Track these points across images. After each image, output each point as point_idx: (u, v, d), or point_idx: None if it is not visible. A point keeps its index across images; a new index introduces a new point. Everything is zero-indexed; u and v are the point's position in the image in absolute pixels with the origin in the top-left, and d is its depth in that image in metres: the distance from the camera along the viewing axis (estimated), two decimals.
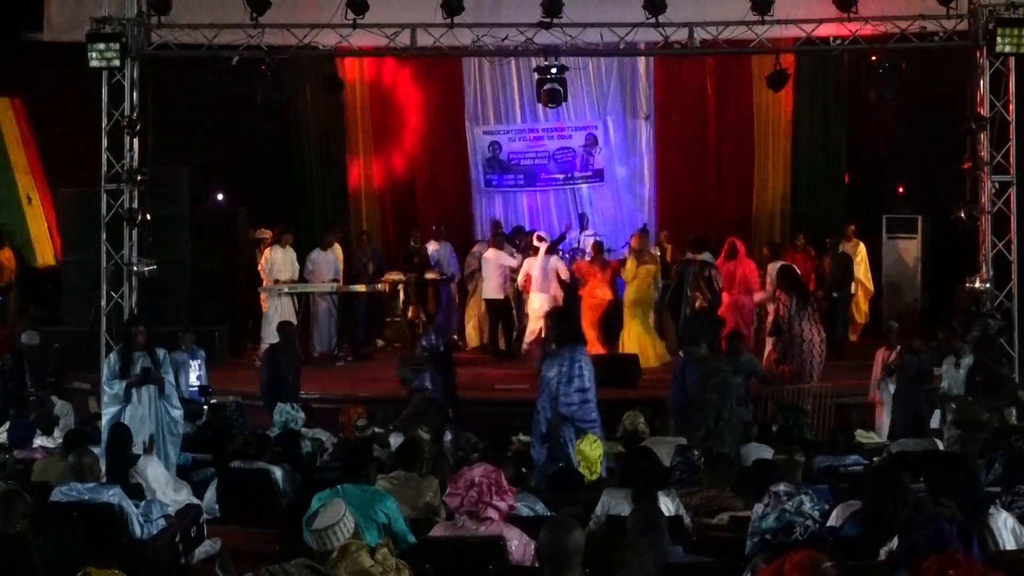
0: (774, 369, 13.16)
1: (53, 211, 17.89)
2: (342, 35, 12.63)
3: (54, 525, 5.98)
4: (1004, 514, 6.13)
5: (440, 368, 11.29)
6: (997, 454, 8.34)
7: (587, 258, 16.03)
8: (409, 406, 11.42)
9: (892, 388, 11.87)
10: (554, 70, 13.19)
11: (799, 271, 14.75)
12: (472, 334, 16.76)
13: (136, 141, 12.82)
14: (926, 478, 6.73)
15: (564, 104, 14.18)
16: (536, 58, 13.44)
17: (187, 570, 7.62)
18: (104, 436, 9.23)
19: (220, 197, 18.11)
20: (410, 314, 16.39)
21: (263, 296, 15.93)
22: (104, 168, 12.84)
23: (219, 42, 12.84)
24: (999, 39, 11.92)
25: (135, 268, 12.90)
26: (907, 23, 12.67)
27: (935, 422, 10.97)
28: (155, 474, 8.49)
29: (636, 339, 14.98)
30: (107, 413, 10.12)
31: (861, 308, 16.98)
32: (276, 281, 15.80)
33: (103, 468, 7.88)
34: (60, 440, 10.15)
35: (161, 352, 10.14)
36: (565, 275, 15.45)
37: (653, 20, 12.41)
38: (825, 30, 13.04)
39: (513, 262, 15.72)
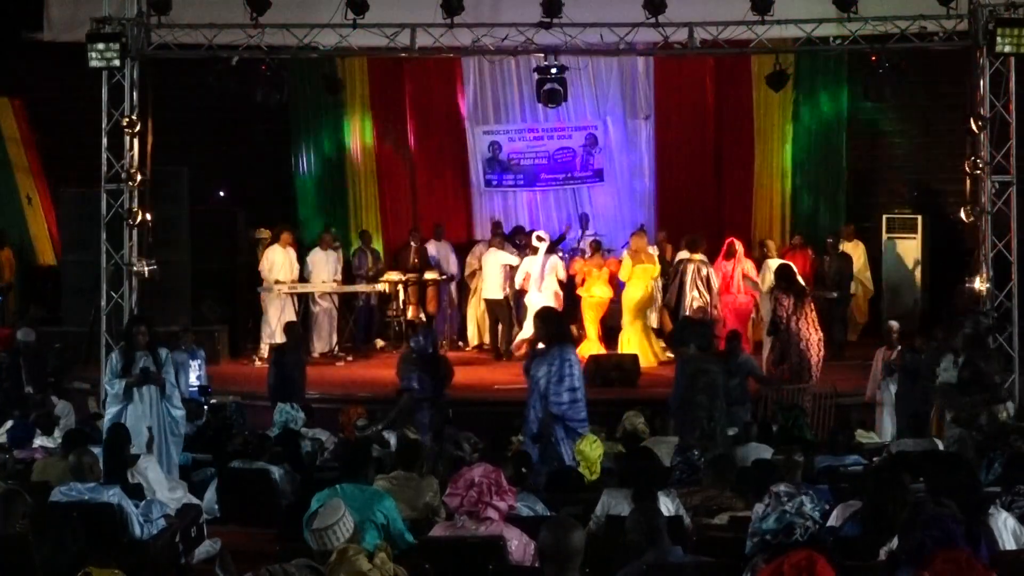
0: (772, 369, 13.16)
1: (53, 211, 17.89)
2: (342, 35, 12.63)
3: (54, 525, 5.97)
4: (1004, 514, 6.13)
5: (428, 369, 11.23)
6: (996, 454, 8.34)
7: (584, 257, 16.04)
8: (395, 407, 11.39)
9: (893, 388, 11.88)
10: (554, 70, 13.19)
11: (797, 271, 14.73)
12: (472, 334, 16.77)
13: (136, 141, 12.83)
14: (926, 478, 6.74)
15: (564, 104, 14.18)
16: (536, 58, 13.45)
17: (187, 570, 7.61)
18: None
19: (220, 197, 18.08)
20: (410, 314, 16.40)
21: (263, 296, 15.94)
22: (104, 168, 12.85)
23: (219, 42, 12.85)
24: (999, 39, 11.93)
25: (135, 268, 12.91)
26: (907, 23, 12.67)
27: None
28: (153, 474, 8.49)
29: (636, 339, 14.99)
30: (108, 413, 10.13)
31: (861, 308, 16.98)
32: (276, 281, 15.81)
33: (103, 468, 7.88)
34: (60, 440, 10.15)
35: (163, 352, 10.14)
36: (563, 275, 15.46)
37: (653, 20, 12.42)
38: (825, 30, 13.05)
39: (514, 260, 15.73)
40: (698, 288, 14.38)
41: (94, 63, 12.34)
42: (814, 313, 13.31)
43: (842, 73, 17.48)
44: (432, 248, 16.85)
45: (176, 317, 14.63)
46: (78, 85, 14.48)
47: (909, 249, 17.14)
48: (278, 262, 15.90)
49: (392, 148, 18.83)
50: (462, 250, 17.22)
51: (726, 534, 6.89)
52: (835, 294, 15.72)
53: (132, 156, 12.82)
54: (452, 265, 17.07)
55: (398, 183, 18.92)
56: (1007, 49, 11.99)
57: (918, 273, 17.06)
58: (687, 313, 14.26)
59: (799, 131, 18.19)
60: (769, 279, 14.18)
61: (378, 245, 17.67)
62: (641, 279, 15.08)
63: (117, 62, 12.35)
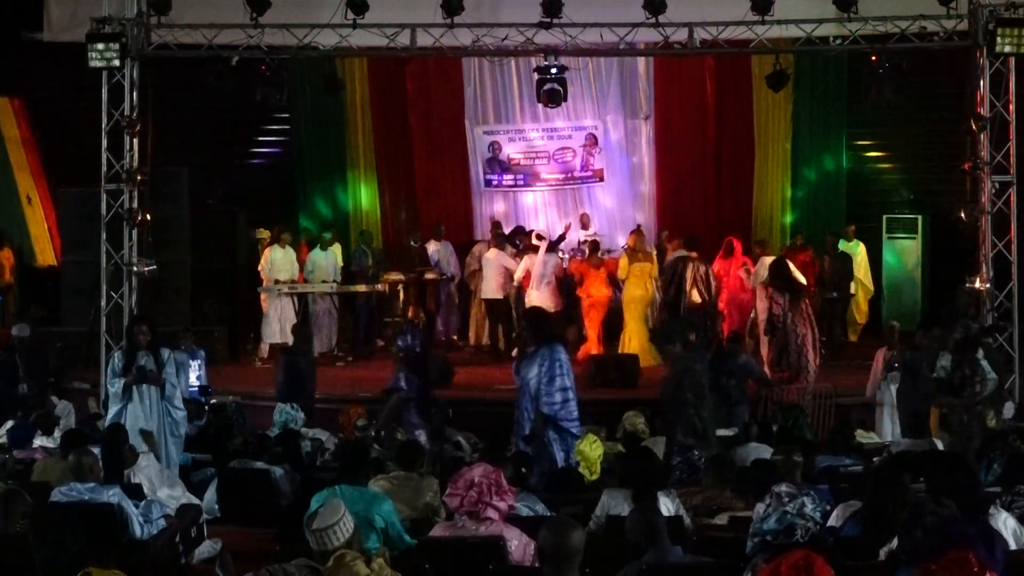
0: (773, 368, 13.16)
1: (53, 211, 17.89)
2: (342, 35, 12.63)
3: (54, 525, 5.98)
4: (1004, 514, 6.14)
5: (416, 368, 11.19)
6: (996, 454, 8.35)
7: (583, 257, 16.05)
8: (385, 408, 11.36)
9: (893, 388, 11.87)
10: (554, 70, 13.20)
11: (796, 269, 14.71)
12: (472, 334, 16.77)
13: (136, 141, 12.83)
14: (926, 478, 6.74)
15: (564, 104, 14.18)
16: (536, 58, 13.45)
17: (187, 570, 7.62)
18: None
19: (220, 197, 18.08)
20: (410, 314, 16.39)
21: (263, 296, 15.94)
22: (104, 168, 12.85)
23: (219, 42, 12.85)
24: (999, 39, 11.93)
25: (135, 268, 12.91)
26: (907, 23, 12.67)
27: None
28: (152, 474, 8.49)
29: (636, 339, 14.98)
30: (109, 413, 10.12)
31: (861, 308, 16.98)
32: (276, 281, 15.81)
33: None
34: (60, 440, 10.14)
35: (165, 352, 10.10)
36: (560, 274, 15.47)
37: (653, 20, 12.42)
38: (825, 30, 13.05)
39: (514, 265, 15.70)
40: (697, 286, 14.38)
41: (94, 63, 12.34)
42: (811, 309, 13.31)
43: (842, 73, 17.48)
44: (432, 248, 16.84)
45: (176, 317, 14.63)
46: (78, 85, 14.49)
47: (909, 249, 17.15)
48: (278, 262, 15.90)
49: (391, 148, 18.82)
50: (462, 250, 17.21)
51: (726, 534, 6.90)
52: (835, 294, 15.72)
53: (132, 156, 12.82)
54: (452, 265, 17.07)
55: (398, 183, 18.93)
56: (1007, 49, 11.99)
57: (918, 273, 17.07)
58: (687, 312, 14.25)
59: (799, 131, 18.20)
60: (763, 275, 14.16)
61: (378, 245, 17.66)
62: (640, 278, 15.07)
63: (117, 62, 12.35)
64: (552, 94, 13.27)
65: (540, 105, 14.66)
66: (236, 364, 15.71)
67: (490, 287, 15.83)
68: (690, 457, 8.75)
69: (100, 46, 12.24)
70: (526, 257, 15.58)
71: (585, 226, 17.61)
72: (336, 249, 16.56)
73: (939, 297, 15.06)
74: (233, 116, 18.25)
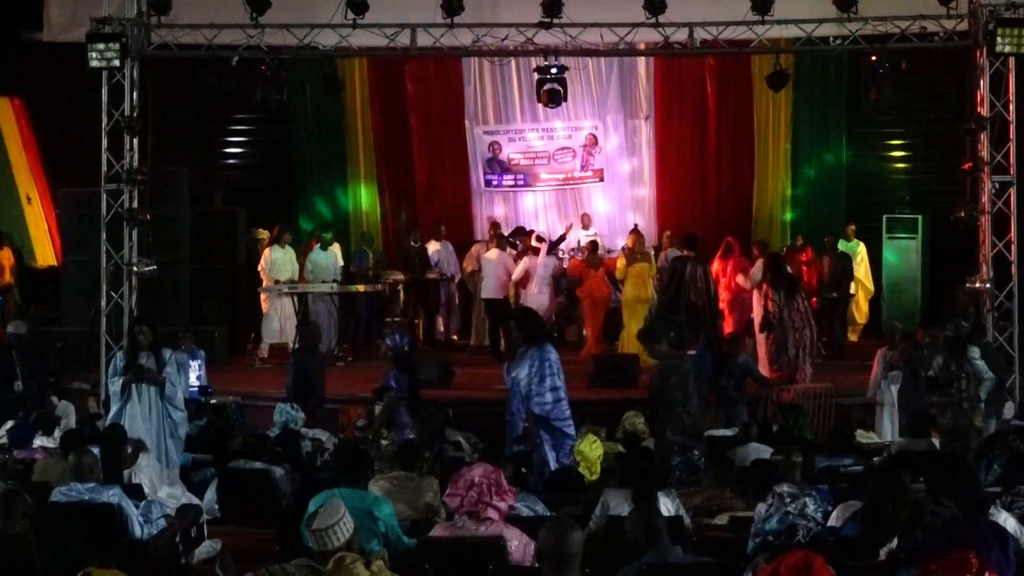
0: (773, 366, 13.16)
1: (53, 211, 17.89)
2: (342, 35, 12.64)
3: (54, 525, 5.99)
4: (1004, 514, 6.14)
5: (404, 367, 11.17)
6: (996, 455, 8.34)
7: (582, 258, 16.05)
8: (381, 410, 11.32)
9: (893, 388, 11.87)
10: (554, 70, 13.20)
11: (790, 267, 14.67)
12: (474, 334, 16.77)
13: (136, 141, 12.83)
14: (926, 478, 6.74)
15: (564, 104, 14.18)
16: (536, 58, 13.44)
17: (187, 570, 7.63)
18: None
19: (219, 197, 18.09)
20: (410, 314, 16.39)
21: (263, 296, 15.93)
22: (104, 168, 12.85)
23: (219, 42, 12.85)
24: (999, 39, 11.93)
25: (135, 268, 12.91)
26: (907, 23, 12.68)
27: None
28: (152, 473, 8.49)
29: (636, 339, 14.96)
30: (110, 412, 10.12)
31: (861, 308, 16.98)
32: (276, 281, 15.81)
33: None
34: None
35: (167, 352, 10.11)
36: (558, 274, 15.46)
37: (653, 20, 12.43)
38: (825, 30, 13.05)
39: (515, 268, 15.68)
40: (695, 286, 14.38)
41: (94, 63, 12.34)
42: (806, 303, 13.31)
43: (842, 73, 17.48)
44: (432, 248, 16.85)
45: (176, 317, 14.63)
46: (78, 85, 14.49)
47: (909, 249, 17.14)
48: (278, 262, 15.89)
49: (392, 148, 18.83)
50: (463, 250, 17.21)
51: (726, 534, 6.90)
52: (835, 294, 15.72)
53: (132, 156, 12.82)
54: (452, 265, 17.07)
55: (398, 183, 18.93)
56: (1007, 49, 11.99)
57: (918, 273, 17.07)
58: (686, 312, 14.25)
59: (799, 131, 18.20)
60: (757, 278, 14.15)
61: (378, 245, 17.67)
62: (638, 279, 15.06)
63: (117, 62, 12.35)
64: (552, 94, 13.28)
65: (540, 105, 14.66)
66: (236, 364, 15.70)
67: (490, 287, 15.82)
68: (690, 457, 8.74)
69: (100, 46, 12.25)
70: (525, 258, 15.58)
71: (586, 226, 17.61)
72: (336, 249, 16.55)
73: (939, 297, 15.06)
74: (233, 116, 18.26)
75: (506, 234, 16.84)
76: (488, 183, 18.54)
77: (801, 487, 5.75)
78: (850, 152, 18.30)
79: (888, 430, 11.80)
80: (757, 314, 13.74)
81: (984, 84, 12.48)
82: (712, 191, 18.63)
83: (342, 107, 18.21)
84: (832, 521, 6.35)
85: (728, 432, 10.38)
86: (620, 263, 15.19)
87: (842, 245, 16.24)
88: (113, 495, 7.26)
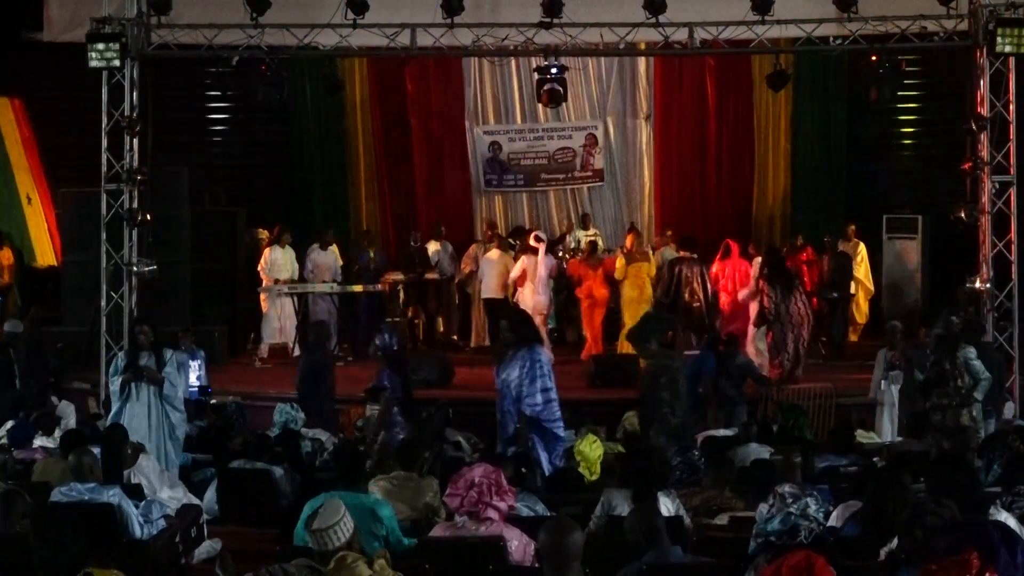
0: (773, 363, 13.17)
1: (53, 211, 17.88)
2: (342, 35, 12.64)
3: (54, 525, 5.99)
4: (1004, 514, 6.13)
5: (395, 366, 11.16)
6: (996, 455, 8.34)
7: (581, 258, 16.03)
8: (378, 412, 11.31)
9: (894, 389, 11.87)
10: (554, 70, 13.20)
11: (789, 265, 14.64)
12: (474, 335, 16.76)
13: (136, 141, 12.84)
14: (926, 478, 6.74)
15: (564, 104, 14.19)
16: (536, 58, 13.44)
17: (187, 570, 7.63)
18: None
19: (219, 197, 18.08)
20: (410, 314, 16.38)
21: (263, 296, 15.93)
22: (104, 168, 12.86)
23: (219, 42, 12.85)
24: (999, 39, 11.93)
25: (135, 268, 12.91)
26: (907, 23, 12.68)
27: None
28: (152, 474, 8.49)
29: (625, 338, 14.95)
30: (110, 412, 10.13)
31: (861, 308, 16.97)
32: (276, 281, 15.81)
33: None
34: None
35: (168, 352, 10.10)
36: (555, 274, 15.46)
37: (653, 20, 12.43)
38: (825, 30, 13.06)
39: (515, 273, 15.66)
40: (693, 286, 14.38)
41: (94, 63, 12.34)
42: (804, 298, 13.30)
43: (842, 73, 17.48)
44: (432, 248, 16.84)
45: (176, 317, 14.62)
46: (78, 85, 14.48)
47: (909, 249, 17.14)
48: (278, 262, 15.90)
49: (391, 148, 18.82)
50: (463, 250, 17.21)
51: (726, 534, 6.90)
52: (835, 294, 15.72)
53: (132, 156, 12.83)
54: (452, 265, 17.06)
55: (398, 183, 18.93)
56: (1007, 49, 11.99)
57: (918, 273, 17.06)
58: (684, 313, 14.25)
59: (799, 131, 18.20)
60: (755, 273, 14.15)
61: (378, 245, 17.65)
62: (637, 279, 15.04)
63: (117, 62, 12.35)
64: (552, 94, 13.28)
65: (540, 105, 14.65)
66: (236, 364, 15.70)
67: (490, 287, 15.81)
68: (690, 457, 8.75)
69: (100, 46, 12.25)
70: (523, 257, 15.57)
71: (586, 226, 17.61)
72: (336, 249, 16.55)
73: (939, 297, 15.07)
74: (233, 116, 18.25)
75: (505, 234, 16.83)
76: (488, 183, 18.54)
77: (802, 487, 5.76)
78: (850, 152, 18.29)
79: (888, 430, 11.79)
80: (753, 309, 13.74)
81: (984, 84, 12.48)
82: (712, 191, 18.62)
83: (342, 107, 18.20)
84: (832, 521, 6.35)
85: (728, 432, 10.39)
86: (619, 263, 15.18)
87: (842, 245, 16.22)
88: (113, 495, 7.26)
